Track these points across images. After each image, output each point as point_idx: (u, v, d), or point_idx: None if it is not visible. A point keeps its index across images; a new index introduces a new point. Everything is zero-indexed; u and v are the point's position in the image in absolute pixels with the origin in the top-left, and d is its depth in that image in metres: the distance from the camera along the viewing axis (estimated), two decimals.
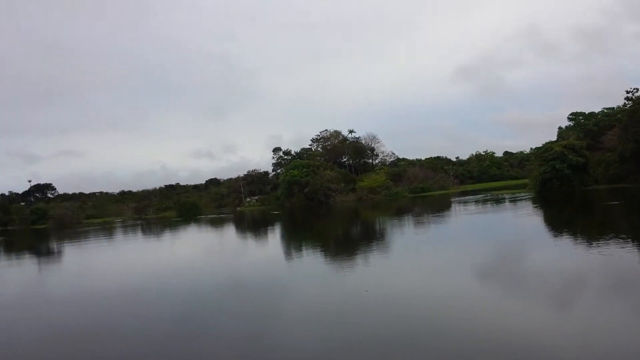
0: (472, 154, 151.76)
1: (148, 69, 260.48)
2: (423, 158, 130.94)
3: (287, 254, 30.40)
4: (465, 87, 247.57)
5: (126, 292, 20.81)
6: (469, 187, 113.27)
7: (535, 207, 47.16)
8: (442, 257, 22.43)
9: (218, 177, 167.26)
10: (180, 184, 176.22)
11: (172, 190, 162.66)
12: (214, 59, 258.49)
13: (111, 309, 17.56)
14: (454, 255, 22.80)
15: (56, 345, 13.69)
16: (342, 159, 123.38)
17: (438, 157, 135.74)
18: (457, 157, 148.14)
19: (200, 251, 36.09)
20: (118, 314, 16.77)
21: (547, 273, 16.57)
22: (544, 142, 73.11)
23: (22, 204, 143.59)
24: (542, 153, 67.33)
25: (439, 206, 62.61)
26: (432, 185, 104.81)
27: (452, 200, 71.36)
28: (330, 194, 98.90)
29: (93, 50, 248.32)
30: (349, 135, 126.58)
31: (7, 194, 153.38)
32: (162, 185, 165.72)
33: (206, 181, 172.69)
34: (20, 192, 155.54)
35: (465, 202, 63.34)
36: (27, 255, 47.16)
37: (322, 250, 29.44)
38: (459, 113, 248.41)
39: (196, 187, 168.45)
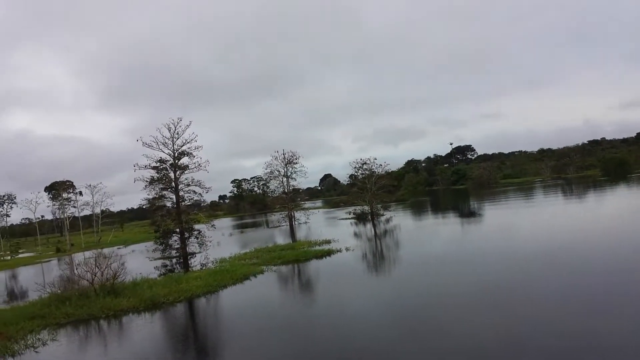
0: None
1: (563, 19, 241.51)
2: None
3: None
4: None
5: (543, 256, 20.78)
6: None
7: None
8: None
9: None
10: (606, 138, 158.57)
11: (595, 146, 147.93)
12: None
13: (528, 272, 18.11)
14: None
15: (483, 299, 15.19)
16: None
17: None
18: None
19: (628, 215, 31.32)
20: (534, 278, 17.07)
21: None
22: None
23: (445, 165, 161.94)
24: None
25: None
26: None
27: None
28: None
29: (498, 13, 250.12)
30: None
31: (432, 156, 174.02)
32: (585, 141, 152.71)
33: (637, 134, 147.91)
34: (443, 154, 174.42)
35: None
36: (450, 214, 53.28)
37: None
38: None
39: (625, 141, 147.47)
